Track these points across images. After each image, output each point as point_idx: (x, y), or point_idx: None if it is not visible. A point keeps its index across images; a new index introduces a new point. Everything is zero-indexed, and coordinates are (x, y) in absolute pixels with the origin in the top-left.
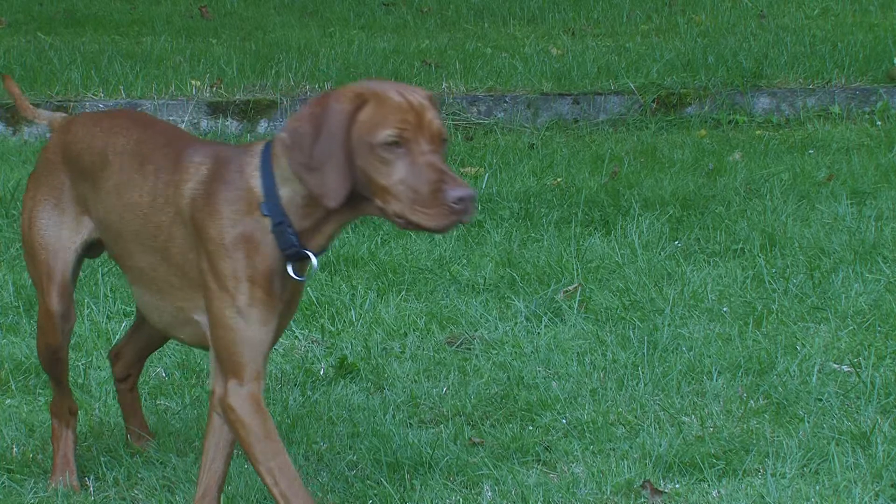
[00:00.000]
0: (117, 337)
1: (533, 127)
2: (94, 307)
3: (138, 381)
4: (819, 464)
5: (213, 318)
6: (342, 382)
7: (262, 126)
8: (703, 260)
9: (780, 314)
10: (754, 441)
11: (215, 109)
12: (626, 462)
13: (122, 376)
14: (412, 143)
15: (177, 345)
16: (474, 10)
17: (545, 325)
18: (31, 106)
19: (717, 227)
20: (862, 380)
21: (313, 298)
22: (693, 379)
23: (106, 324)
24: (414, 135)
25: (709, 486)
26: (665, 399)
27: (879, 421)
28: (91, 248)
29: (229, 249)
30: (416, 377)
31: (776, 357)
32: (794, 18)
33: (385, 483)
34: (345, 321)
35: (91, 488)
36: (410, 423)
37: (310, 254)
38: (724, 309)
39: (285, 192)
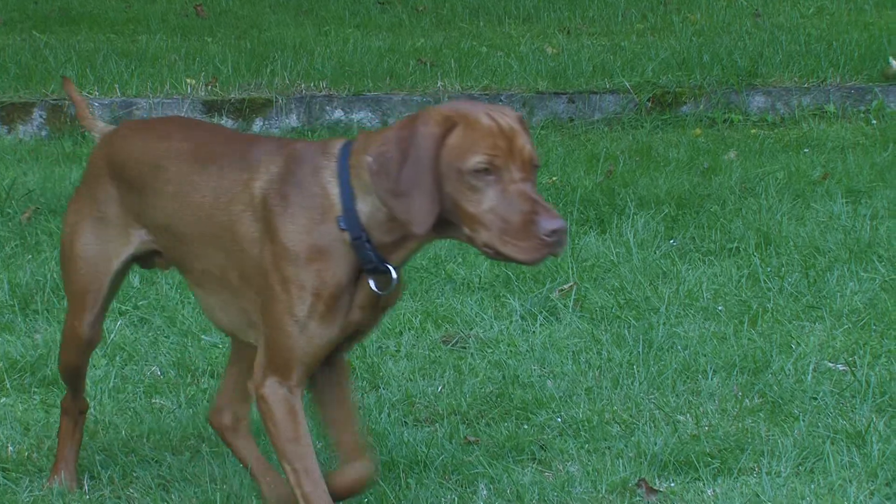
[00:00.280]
0: (213, 402)
1: (529, 125)
2: None
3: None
4: (814, 462)
5: (269, 317)
6: None
7: (258, 124)
8: (699, 259)
9: (775, 313)
10: (749, 440)
11: (210, 108)
12: (621, 461)
13: (231, 422)
14: (503, 171)
15: (172, 343)
16: (469, 9)
17: (540, 324)
18: (90, 115)
19: (713, 226)
20: (857, 378)
21: None
22: (688, 378)
23: None
24: (505, 161)
25: (704, 484)
26: (660, 398)
27: (874, 420)
28: (141, 260)
29: (300, 259)
30: (411, 376)
31: (771, 356)
32: (790, 17)
33: (380, 482)
34: None
35: (86, 487)
36: (406, 422)
37: (391, 268)
38: (720, 307)
39: (366, 206)
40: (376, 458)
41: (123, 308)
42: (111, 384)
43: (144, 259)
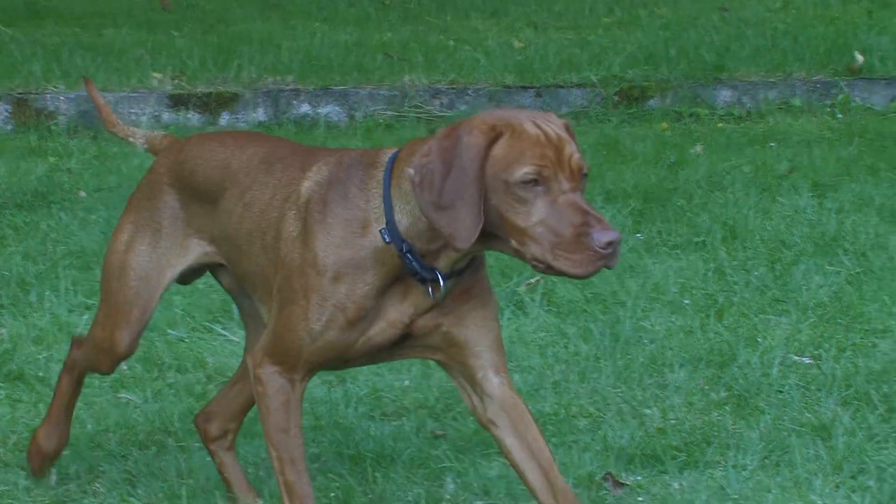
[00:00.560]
0: (211, 400)
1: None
2: (54, 300)
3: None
4: (780, 456)
5: (283, 315)
6: None
7: (224, 119)
8: (665, 252)
9: (741, 306)
10: (715, 433)
11: (177, 102)
12: (587, 454)
13: (219, 433)
14: (552, 181)
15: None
16: (436, 3)
17: (507, 318)
18: (118, 121)
19: (679, 220)
20: (822, 372)
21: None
22: (655, 371)
23: (67, 316)
24: (553, 172)
25: (670, 478)
26: (627, 391)
27: (840, 413)
28: (190, 275)
29: (328, 273)
30: (378, 370)
31: (737, 349)
32: (756, 11)
33: (347, 476)
34: None
35: (52, 481)
36: (373, 416)
37: (439, 275)
38: (686, 301)
39: (404, 216)
40: None
41: (89, 302)
42: None
43: (192, 274)
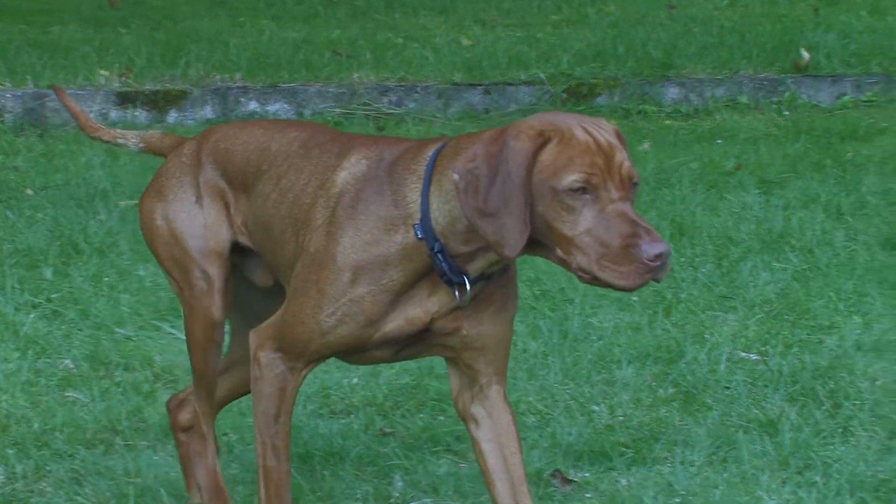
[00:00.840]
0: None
1: (444, 117)
2: (0, 298)
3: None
4: (727, 452)
5: (294, 303)
6: None
7: (173, 116)
8: None
9: (688, 303)
10: (663, 429)
11: (124, 100)
12: (536, 451)
13: (189, 423)
14: (601, 190)
15: (85, 336)
16: (385, 1)
17: None
18: (99, 125)
19: None
20: (769, 368)
21: None
22: (603, 368)
23: (13, 315)
24: (603, 180)
25: (618, 474)
26: (575, 388)
27: (786, 409)
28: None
29: (348, 270)
30: (326, 367)
31: (685, 346)
32: (703, 9)
33: (295, 474)
34: None
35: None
36: (321, 414)
37: (466, 279)
38: (634, 298)
39: (442, 215)
40: None
41: (36, 301)
42: (24, 378)
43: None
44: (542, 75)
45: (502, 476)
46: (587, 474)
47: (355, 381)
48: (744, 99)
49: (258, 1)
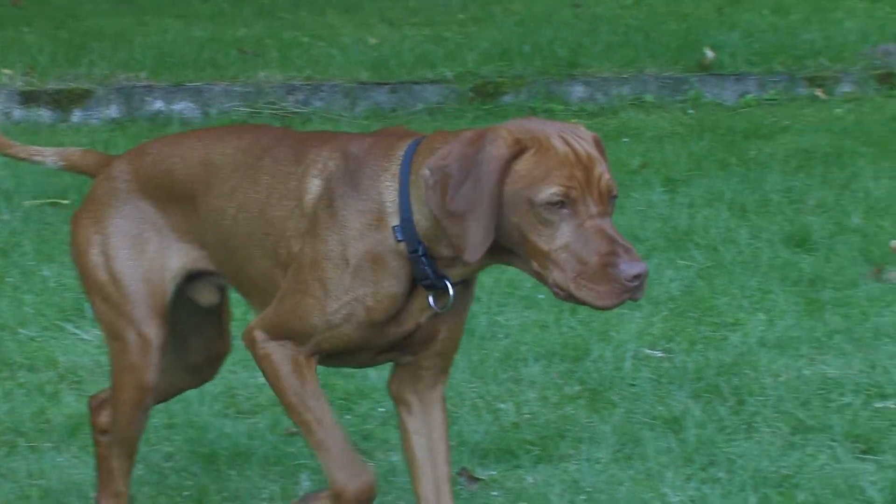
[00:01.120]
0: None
1: (351, 116)
2: None
3: None
4: (632, 449)
5: (294, 305)
6: None
7: (77, 116)
8: None
9: None
10: (569, 427)
11: (28, 99)
12: None
13: (108, 426)
14: (580, 204)
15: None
16: None
17: None
18: (12, 141)
19: None
20: (674, 365)
21: None
22: (509, 366)
23: None
24: (581, 193)
25: (524, 472)
26: (482, 386)
27: (691, 405)
28: (204, 291)
29: (349, 265)
30: (232, 367)
31: (591, 343)
32: (608, 8)
33: (201, 474)
34: None
35: None
36: (227, 414)
37: (448, 284)
38: (541, 296)
39: (425, 217)
40: None
41: None
42: None
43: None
44: (448, 74)
45: (427, 472)
46: (494, 472)
47: (261, 380)
48: (649, 97)
49: None
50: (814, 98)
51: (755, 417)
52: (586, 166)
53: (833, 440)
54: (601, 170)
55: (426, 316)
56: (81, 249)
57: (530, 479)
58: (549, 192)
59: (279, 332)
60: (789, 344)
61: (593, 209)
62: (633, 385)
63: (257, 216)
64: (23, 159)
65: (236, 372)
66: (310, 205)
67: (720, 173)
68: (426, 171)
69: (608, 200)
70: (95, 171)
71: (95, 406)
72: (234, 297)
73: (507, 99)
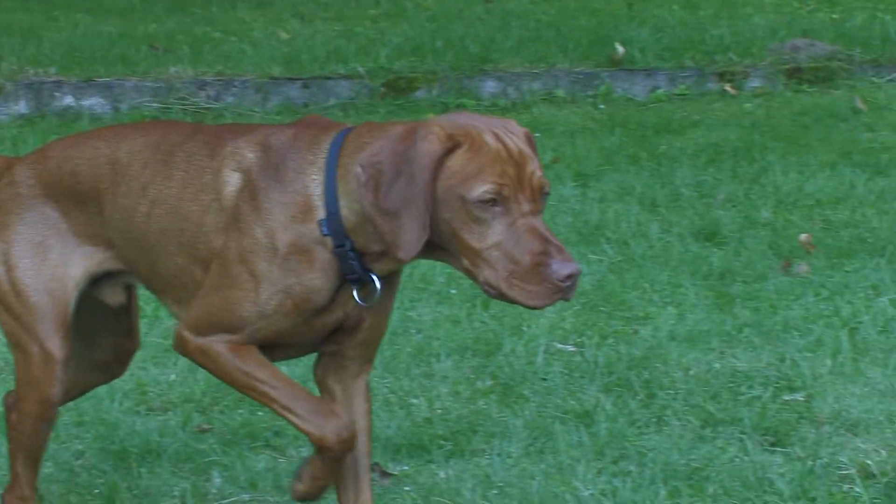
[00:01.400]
0: None
1: (263, 111)
2: None
3: None
4: (544, 443)
5: (221, 298)
6: None
7: None
8: None
9: None
10: (481, 422)
11: None
12: None
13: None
14: (511, 202)
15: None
16: None
17: None
18: None
19: None
20: (585, 359)
21: None
22: (422, 361)
23: None
24: (513, 191)
25: (437, 467)
26: (394, 381)
27: (602, 399)
28: (110, 292)
29: (277, 255)
30: (143, 364)
31: (503, 338)
32: (520, 3)
33: (111, 472)
34: None
35: None
36: (138, 411)
37: (374, 278)
38: (453, 291)
39: (352, 212)
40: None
41: None
42: None
43: (109, 291)
44: (360, 69)
45: (347, 462)
46: (406, 467)
47: (173, 377)
48: (560, 92)
49: None
50: (723, 93)
51: (665, 411)
52: (518, 163)
53: (742, 433)
54: (533, 167)
55: (353, 305)
56: None
57: (442, 474)
58: (482, 189)
59: (210, 329)
60: (699, 338)
61: (525, 207)
62: (544, 379)
63: (171, 212)
64: None
65: (147, 369)
66: (229, 198)
67: (631, 168)
68: (359, 169)
69: (540, 198)
70: None
71: (10, 404)
72: (144, 293)
73: (419, 94)
